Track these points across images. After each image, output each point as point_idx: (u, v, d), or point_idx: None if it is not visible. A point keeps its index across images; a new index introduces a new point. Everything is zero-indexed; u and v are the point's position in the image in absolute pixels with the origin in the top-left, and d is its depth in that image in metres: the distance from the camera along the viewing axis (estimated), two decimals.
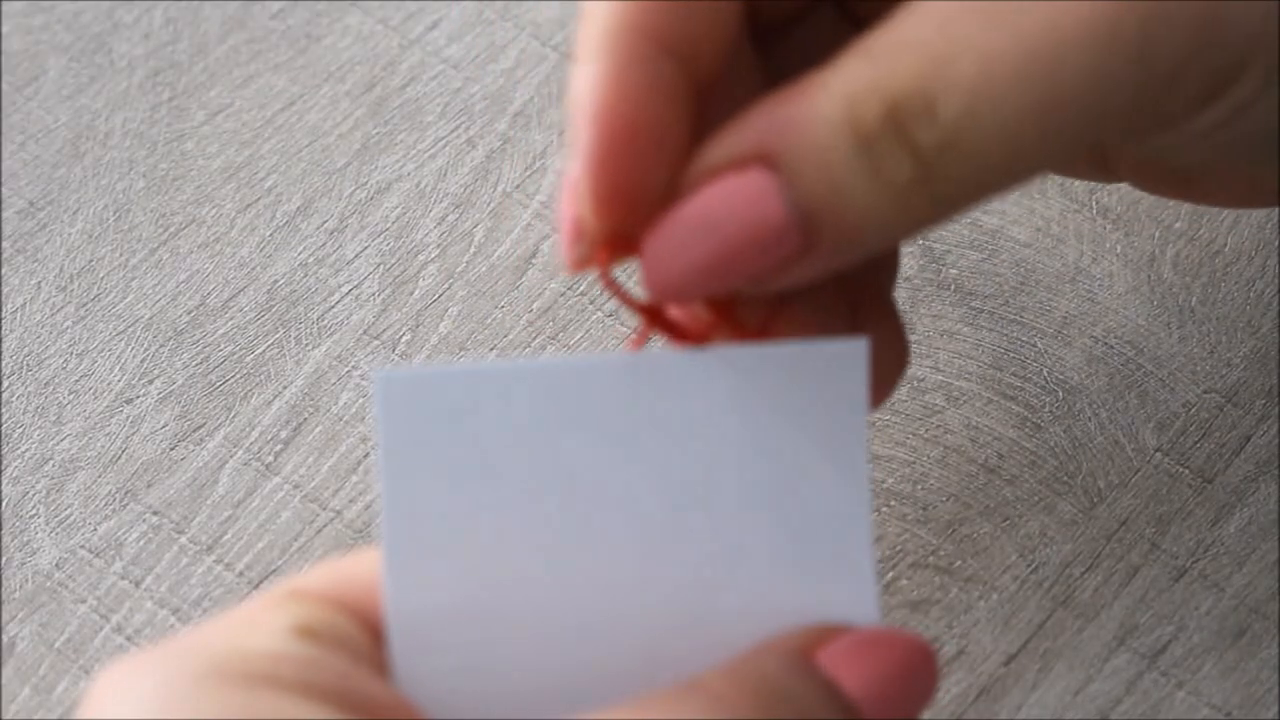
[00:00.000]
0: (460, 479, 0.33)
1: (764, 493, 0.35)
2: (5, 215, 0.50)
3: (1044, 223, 0.48)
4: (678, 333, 0.35)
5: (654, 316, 0.35)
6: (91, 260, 0.49)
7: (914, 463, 0.44)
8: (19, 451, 0.46)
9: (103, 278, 0.49)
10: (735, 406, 0.35)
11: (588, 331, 0.47)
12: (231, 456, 0.46)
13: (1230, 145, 0.36)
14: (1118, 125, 0.33)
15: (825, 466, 0.35)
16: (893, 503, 0.44)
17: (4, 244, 0.49)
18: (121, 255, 0.49)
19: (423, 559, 0.33)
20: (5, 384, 0.47)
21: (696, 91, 0.34)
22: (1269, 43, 0.33)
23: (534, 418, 0.34)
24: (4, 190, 0.50)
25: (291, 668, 0.31)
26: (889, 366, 0.39)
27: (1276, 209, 0.47)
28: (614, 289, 0.34)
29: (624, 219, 0.34)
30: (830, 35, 0.38)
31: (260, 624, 0.32)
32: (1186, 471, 0.44)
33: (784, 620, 0.34)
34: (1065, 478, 0.44)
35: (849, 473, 0.35)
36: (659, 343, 0.36)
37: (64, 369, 0.47)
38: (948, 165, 0.32)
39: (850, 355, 0.35)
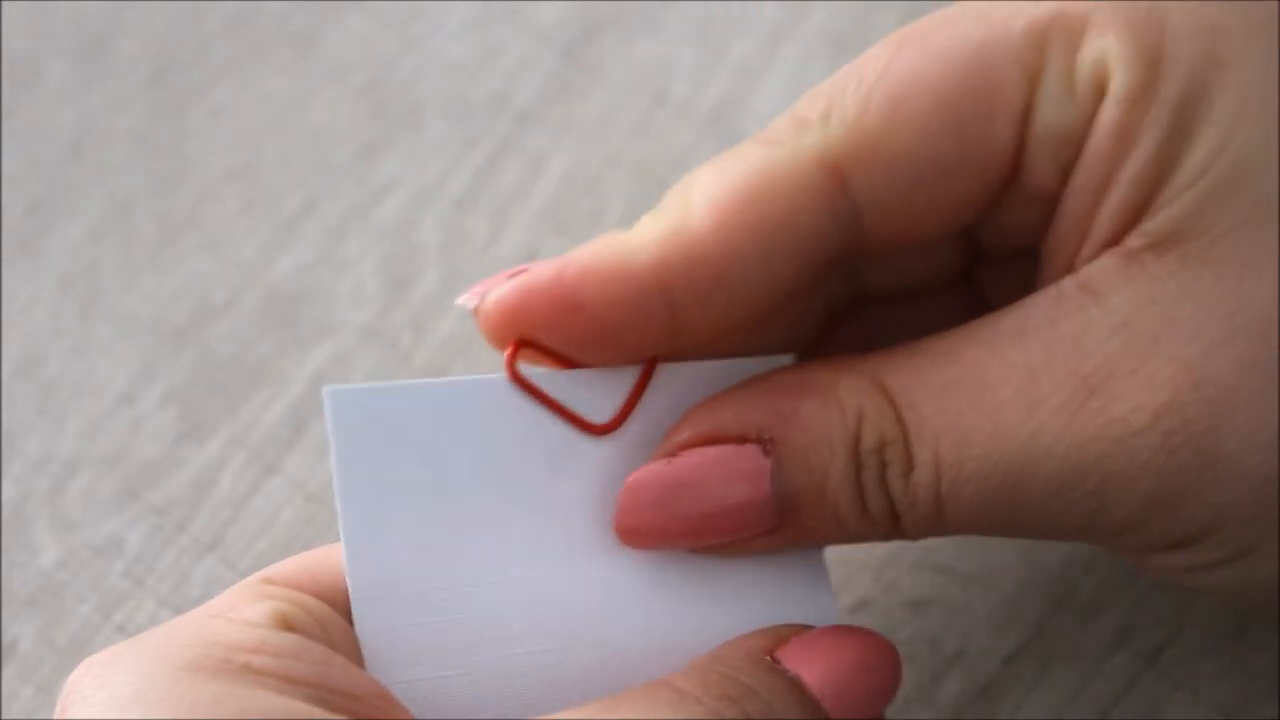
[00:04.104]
0: (408, 479, 0.34)
1: None
2: (7, 216, 0.50)
3: None
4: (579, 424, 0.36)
5: (557, 408, 0.36)
6: (93, 261, 0.49)
7: None
8: (21, 451, 0.46)
9: (104, 278, 0.49)
10: (676, 417, 0.36)
11: None
12: (233, 456, 0.46)
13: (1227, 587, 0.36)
14: (1073, 539, 0.35)
15: None
16: None
17: (6, 244, 0.49)
18: (123, 256, 0.49)
19: (379, 549, 0.34)
20: (7, 384, 0.47)
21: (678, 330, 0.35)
22: (1238, 515, 0.34)
23: (481, 427, 0.35)
24: (6, 191, 0.50)
25: (269, 659, 0.31)
26: None
27: None
28: (517, 379, 0.35)
29: (510, 334, 0.35)
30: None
31: (238, 614, 0.33)
32: None
33: (744, 626, 0.35)
34: None
35: None
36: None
37: (66, 369, 0.47)
38: (911, 518, 0.35)
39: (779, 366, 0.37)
